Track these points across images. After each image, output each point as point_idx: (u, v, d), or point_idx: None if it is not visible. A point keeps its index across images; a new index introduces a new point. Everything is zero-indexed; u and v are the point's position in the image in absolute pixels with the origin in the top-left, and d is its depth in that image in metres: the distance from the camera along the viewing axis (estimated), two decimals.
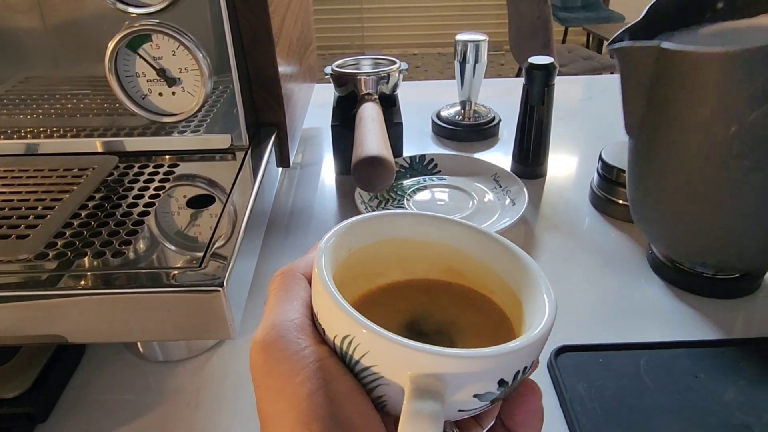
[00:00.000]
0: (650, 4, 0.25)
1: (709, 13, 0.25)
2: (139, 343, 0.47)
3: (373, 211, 0.63)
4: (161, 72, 0.51)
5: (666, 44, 0.21)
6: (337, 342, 0.21)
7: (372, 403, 0.21)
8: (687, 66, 0.20)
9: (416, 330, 0.24)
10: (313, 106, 0.82)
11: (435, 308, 0.27)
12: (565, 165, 0.77)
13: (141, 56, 0.50)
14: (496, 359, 0.20)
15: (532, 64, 0.66)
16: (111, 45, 0.49)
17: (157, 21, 0.48)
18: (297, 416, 0.19)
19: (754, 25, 0.24)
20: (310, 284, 0.24)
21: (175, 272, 0.38)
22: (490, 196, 0.66)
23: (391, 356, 0.20)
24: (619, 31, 0.25)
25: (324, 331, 0.22)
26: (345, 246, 0.25)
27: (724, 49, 0.19)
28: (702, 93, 0.21)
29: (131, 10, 0.48)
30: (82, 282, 0.37)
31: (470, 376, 0.20)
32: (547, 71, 0.65)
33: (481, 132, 0.82)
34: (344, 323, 0.21)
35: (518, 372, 0.21)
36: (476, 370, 0.20)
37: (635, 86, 0.22)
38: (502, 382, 0.21)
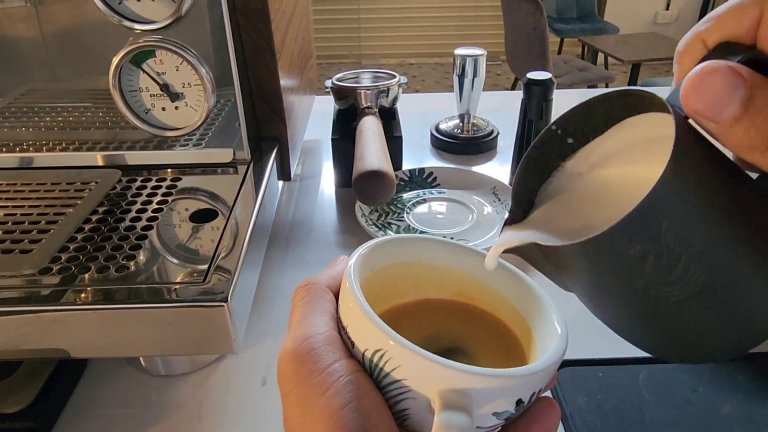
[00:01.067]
0: (512, 188, 0.26)
1: (567, 150, 0.26)
2: (141, 358, 0.48)
3: (374, 224, 0.64)
4: (164, 87, 0.51)
5: (539, 241, 0.23)
6: (368, 355, 0.22)
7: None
8: (562, 254, 0.22)
9: (431, 347, 0.24)
10: (312, 118, 0.83)
11: (448, 327, 0.28)
12: None
13: (145, 71, 0.51)
14: (519, 379, 0.21)
15: (530, 80, 0.67)
16: (115, 60, 0.49)
17: (161, 37, 0.49)
18: (327, 428, 0.20)
19: (594, 151, 0.26)
20: (336, 298, 0.25)
21: (179, 287, 0.39)
22: (489, 209, 0.67)
23: (421, 371, 0.21)
24: (504, 221, 0.27)
25: (353, 345, 0.23)
26: (369, 265, 0.26)
27: (578, 241, 0.20)
28: (589, 271, 0.22)
29: (136, 26, 0.48)
30: (85, 296, 0.38)
31: (494, 393, 0.21)
32: (545, 86, 0.66)
33: (480, 145, 0.83)
34: (377, 338, 0.21)
35: (534, 393, 0.22)
36: (500, 388, 0.21)
37: (541, 266, 0.24)
38: (519, 402, 0.22)
